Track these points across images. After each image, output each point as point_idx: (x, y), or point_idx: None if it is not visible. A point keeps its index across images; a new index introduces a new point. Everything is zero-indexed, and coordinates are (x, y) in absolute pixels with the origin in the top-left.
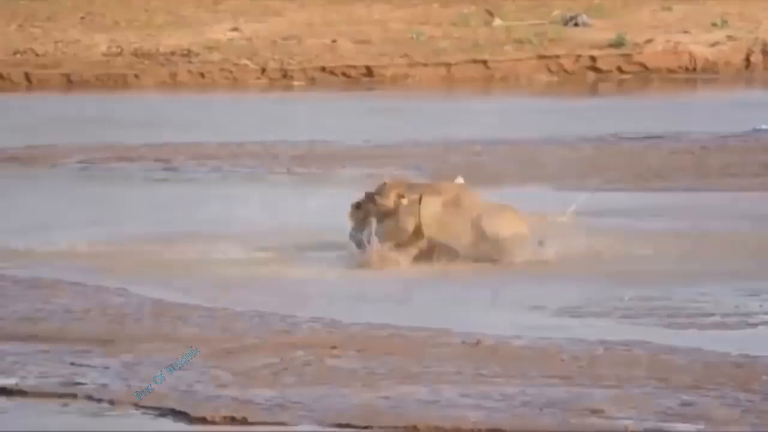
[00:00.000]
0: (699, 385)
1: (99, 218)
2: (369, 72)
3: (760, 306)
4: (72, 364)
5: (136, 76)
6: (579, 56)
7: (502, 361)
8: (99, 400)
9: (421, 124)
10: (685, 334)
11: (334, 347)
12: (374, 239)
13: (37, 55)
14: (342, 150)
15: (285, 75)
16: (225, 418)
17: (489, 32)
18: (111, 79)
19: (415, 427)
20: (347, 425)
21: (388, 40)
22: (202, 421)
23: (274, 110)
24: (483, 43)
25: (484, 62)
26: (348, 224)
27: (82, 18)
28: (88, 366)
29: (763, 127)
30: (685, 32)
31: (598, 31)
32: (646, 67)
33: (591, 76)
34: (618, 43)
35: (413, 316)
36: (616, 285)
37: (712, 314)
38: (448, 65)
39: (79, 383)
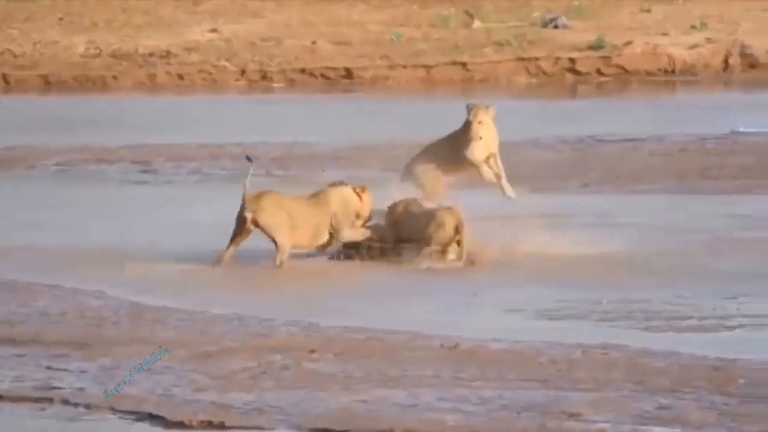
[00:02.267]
0: (676, 389)
1: (77, 220)
2: (348, 74)
3: (738, 309)
4: (48, 367)
5: (115, 77)
6: (558, 58)
7: (480, 364)
8: (75, 405)
9: (401, 126)
10: (662, 338)
11: (312, 351)
12: None
13: (15, 56)
14: (321, 151)
15: (264, 76)
16: (202, 422)
17: (468, 34)
18: (89, 81)
19: (392, 431)
20: (325, 429)
21: (368, 42)
22: (180, 425)
23: (254, 112)
24: (462, 44)
25: (464, 64)
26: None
27: (61, 19)
28: (65, 370)
29: (742, 129)
30: (664, 34)
31: (577, 33)
32: (625, 69)
33: (570, 78)
34: (597, 45)
35: (391, 319)
36: (594, 288)
37: (690, 317)
38: (427, 67)
39: (55, 387)
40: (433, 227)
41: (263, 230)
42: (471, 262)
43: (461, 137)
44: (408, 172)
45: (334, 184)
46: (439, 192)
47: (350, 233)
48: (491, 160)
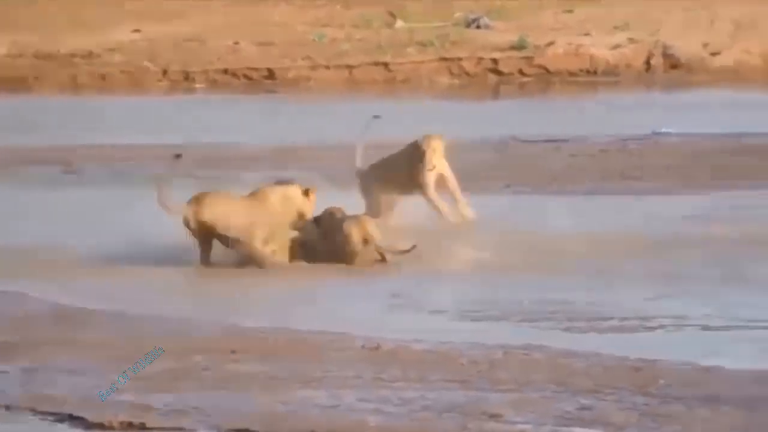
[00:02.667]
0: (597, 389)
1: None
2: (271, 74)
3: (659, 310)
4: None
5: (37, 78)
6: (481, 59)
7: (402, 365)
8: None
9: (323, 126)
10: (583, 338)
11: (233, 352)
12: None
13: None
14: (244, 152)
15: (187, 77)
16: (123, 423)
17: (391, 34)
18: (11, 81)
19: None
20: (246, 430)
21: (291, 42)
22: (100, 426)
23: (177, 112)
24: (385, 45)
25: (386, 64)
26: None
27: None
28: None
29: (663, 129)
30: (587, 35)
31: (499, 34)
32: (547, 70)
33: (493, 78)
34: (519, 46)
35: (313, 320)
36: (516, 288)
37: (611, 318)
38: (350, 67)
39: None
40: (341, 239)
41: (211, 230)
42: (383, 261)
43: (413, 163)
44: (360, 182)
45: (281, 182)
46: (380, 208)
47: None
48: (448, 184)
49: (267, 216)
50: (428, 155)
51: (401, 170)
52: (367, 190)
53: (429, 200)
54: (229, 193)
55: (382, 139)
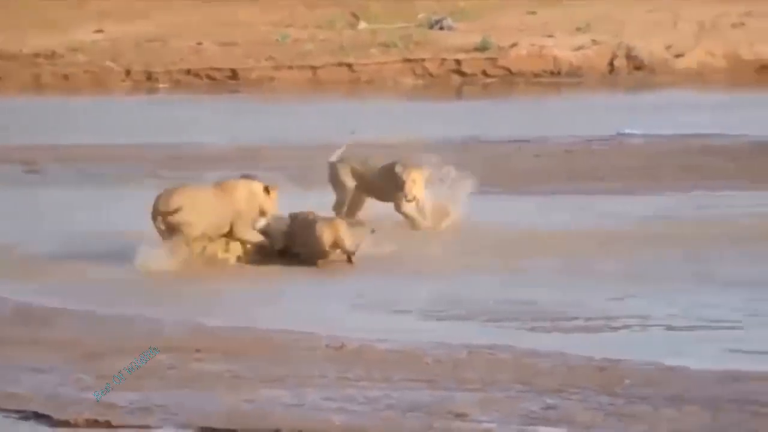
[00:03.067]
0: (562, 389)
1: None
2: (234, 74)
3: (623, 310)
4: None
5: None
6: (444, 59)
7: (366, 364)
8: None
9: (287, 127)
10: (548, 338)
11: (198, 350)
12: None
13: None
14: (208, 152)
15: (150, 77)
16: (88, 420)
17: (354, 35)
18: None
19: (278, 431)
20: (211, 428)
21: (254, 43)
22: (65, 424)
23: (139, 112)
24: (348, 45)
25: (350, 65)
26: None
27: None
28: None
29: (627, 130)
30: (550, 36)
31: (463, 35)
32: (510, 71)
33: (456, 79)
34: (483, 47)
35: (278, 318)
36: (481, 288)
37: (576, 318)
38: (313, 68)
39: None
40: (311, 238)
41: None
42: (351, 262)
43: (392, 188)
44: (330, 172)
45: (245, 176)
46: (349, 202)
47: (247, 232)
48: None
49: (232, 210)
50: (408, 187)
51: (379, 188)
52: (336, 183)
53: (404, 215)
54: (197, 187)
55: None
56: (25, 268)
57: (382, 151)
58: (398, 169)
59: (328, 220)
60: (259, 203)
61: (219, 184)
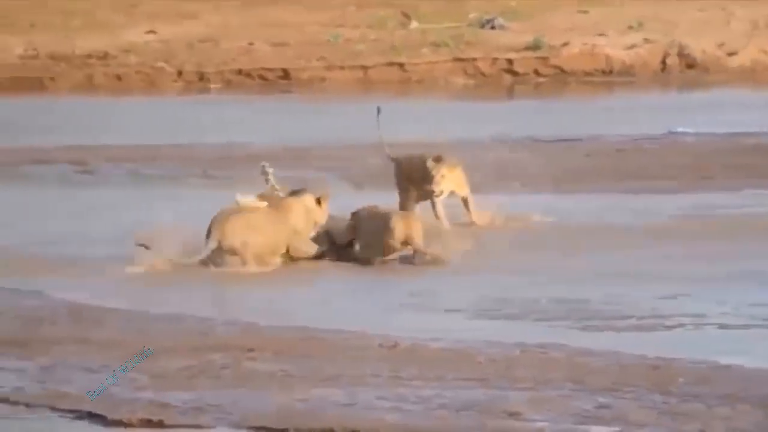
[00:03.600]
0: (615, 388)
1: (14, 221)
2: (286, 75)
3: (677, 308)
4: None
5: (52, 78)
6: (496, 59)
7: (419, 363)
8: (15, 403)
9: (338, 126)
10: (601, 337)
11: (251, 350)
12: None
13: None
14: (259, 152)
15: (201, 78)
16: (142, 420)
17: (405, 35)
18: (27, 82)
19: (331, 430)
20: (264, 428)
21: (305, 43)
22: (119, 423)
23: (191, 113)
24: (399, 45)
25: (401, 65)
26: None
27: None
28: (4, 369)
29: (679, 129)
30: (602, 35)
31: (514, 34)
32: (562, 70)
33: (508, 78)
34: (535, 46)
35: (331, 318)
36: (533, 287)
37: (629, 316)
38: (364, 68)
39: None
40: (384, 231)
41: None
42: (431, 261)
43: (425, 182)
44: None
45: (295, 193)
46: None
47: (303, 249)
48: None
49: (289, 230)
50: (437, 180)
51: (416, 182)
52: (398, 180)
53: (434, 209)
54: (252, 209)
55: (399, 138)
56: (77, 268)
57: (431, 150)
58: (429, 163)
59: (404, 214)
60: (314, 218)
61: (274, 205)
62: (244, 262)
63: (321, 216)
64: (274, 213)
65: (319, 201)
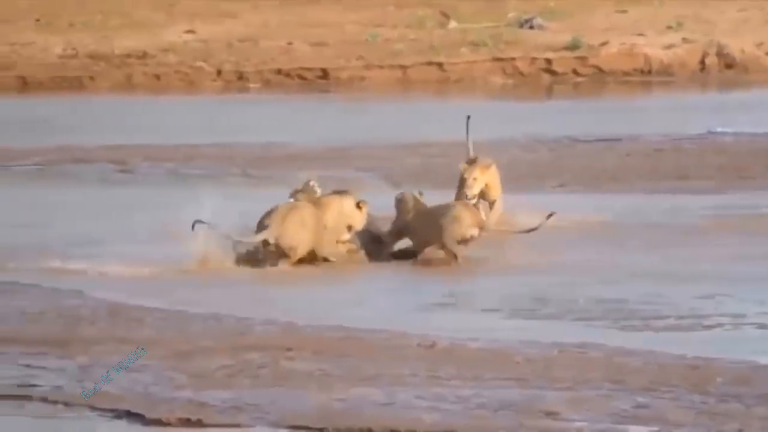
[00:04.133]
0: (653, 387)
1: (54, 220)
2: (325, 74)
3: (715, 308)
4: (27, 366)
5: (92, 78)
6: (534, 58)
7: (458, 363)
8: (54, 402)
9: (377, 126)
10: (639, 336)
11: (289, 349)
12: None
13: None
14: (298, 152)
15: (240, 77)
16: (180, 419)
17: (444, 34)
18: (66, 81)
19: (370, 429)
20: (302, 427)
21: (344, 43)
22: (158, 422)
23: (230, 112)
24: (438, 45)
25: (440, 64)
26: None
27: (37, 20)
28: (44, 368)
29: (718, 129)
30: (640, 34)
31: (553, 34)
32: (601, 70)
33: (546, 78)
34: (573, 46)
35: (369, 317)
36: (571, 287)
37: (667, 316)
38: (403, 67)
39: (34, 385)
40: (448, 221)
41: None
42: (455, 257)
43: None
44: None
45: (338, 192)
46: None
47: (326, 250)
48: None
49: (322, 227)
50: (469, 184)
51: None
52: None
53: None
54: (300, 205)
55: (437, 138)
56: (117, 268)
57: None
58: (462, 166)
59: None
60: (347, 219)
61: (315, 201)
62: (286, 259)
63: (358, 221)
64: (312, 209)
65: (359, 205)
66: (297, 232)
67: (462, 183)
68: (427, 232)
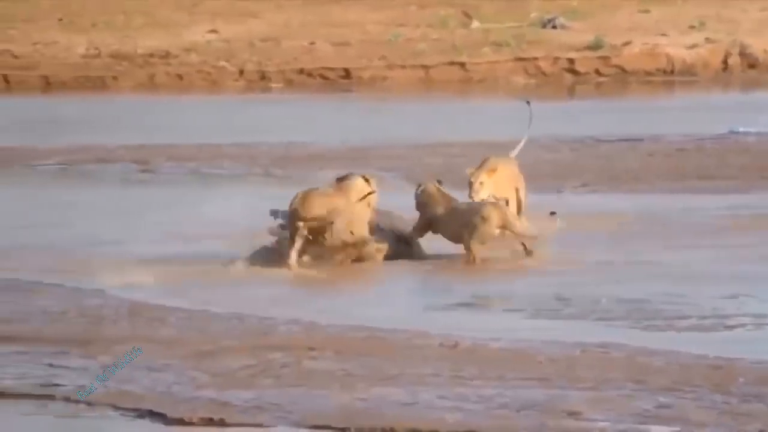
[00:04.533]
0: (676, 387)
1: (77, 220)
2: (347, 74)
3: (738, 308)
4: (50, 365)
5: (114, 77)
6: (557, 58)
7: (480, 363)
8: (77, 402)
9: (399, 126)
10: (662, 336)
11: (311, 349)
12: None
13: (14, 56)
14: (320, 151)
15: (263, 77)
16: (202, 419)
17: (467, 34)
18: (89, 81)
19: (392, 429)
20: (324, 427)
21: (366, 42)
22: (180, 422)
23: (252, 112)
24: (461, 45)
25: (462, 64)
26: None
27: (60, 19)
28: (66, 367)
29: (741, 129)
30: (663, 34)
31: (575, 34)
32: (623, 70)
33: (569, 78)
34: (596, 46)
35: (391, 317)
36: (594, 287)
37: (689, 316)
38: (425, 67)
39: (56, 384)
40: (480, 221)
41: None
42: (529, 251)
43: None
44: None
45: (342, 178)
46: None
47: (360, 232)
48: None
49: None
50: (475, 189)
51: None
52: None
53: None
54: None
55: (459, 138)
56: (139, 267)
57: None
58: (468, 171)
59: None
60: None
61: (338, 188)
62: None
63: (373, 195)
64: (336, 193)
65: (367, 180)
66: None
67: (469, 187)
68: (455, 229)
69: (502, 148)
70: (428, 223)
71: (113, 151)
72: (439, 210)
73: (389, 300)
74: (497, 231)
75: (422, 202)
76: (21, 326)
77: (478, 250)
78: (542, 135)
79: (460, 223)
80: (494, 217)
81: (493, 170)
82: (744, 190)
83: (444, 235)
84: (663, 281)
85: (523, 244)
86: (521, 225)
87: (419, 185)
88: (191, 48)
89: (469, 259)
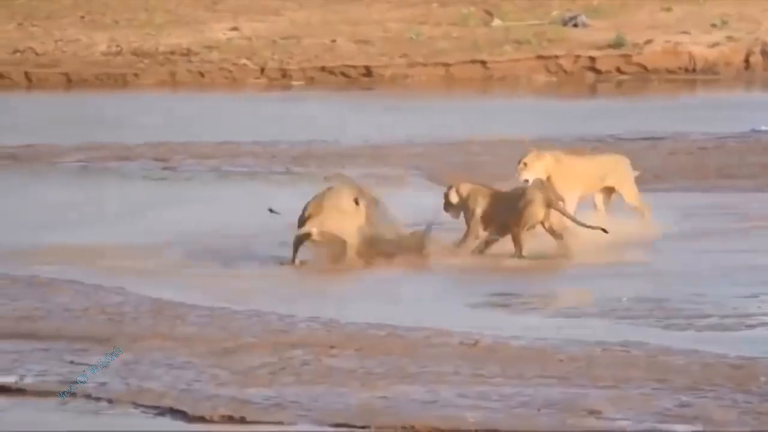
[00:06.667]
0: (697, 386)
1: (97, 217)
2: (368, 72)
3: (759, 307)
4: (71, 362)
5: (136, 75)
6: (578, 57)
7: (500, 361)
8: (98, 399)
9: (420, 124)
10: (682, 335)
11: (332, 347)
12: None
13: (36, 54)
14: (341, 149)
15: (284, 74)
16: (223, 416)
17: (488, 32)
18: (110, 78)
19: (412, 427)
20: (345, 425)
21: (388, 40)
22: (201, 419)
23: (273, 110)
24: (482, 43)
25: (483, 62)
26: None
27: (82, 17)
28: (87, 365)
29: (762, 128)
30: (685, 33)
31: (597, 32)
32: (645, 68)
33: (590, 76)
34: (617, 44)
35: (411, 316)
36: (614, 286)
37: (710, 315)
38: (447, 65)
39: (77, 381)
40: (522, 204)
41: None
42: (560, 235)
43: None
44: None
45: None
46: None
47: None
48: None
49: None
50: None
51: None
52: None
53: None
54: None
55: (481, 136)
56: (160, 264)
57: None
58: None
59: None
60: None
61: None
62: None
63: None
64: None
65: (356, 201)
66: (338, 224)
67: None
68: (503, 217)
69: (522, 146)
70: (485, 219)
71: (134, 148)
72: (486, 203)
73: (410, 298)
74: (543, 213)
75: (459, 204)
76: (42, 323)
77: (526, 240)
78: (563, 134)
79: (508, 211)
80: (538, 198)
81: (541, 157)
82: (765, 189)
83: (492, 230)
84: (683, 280)
85: (555, 232)
86: (568, 211)
87: (450, 186)
88: (213, 45)
89: (515, 253)
